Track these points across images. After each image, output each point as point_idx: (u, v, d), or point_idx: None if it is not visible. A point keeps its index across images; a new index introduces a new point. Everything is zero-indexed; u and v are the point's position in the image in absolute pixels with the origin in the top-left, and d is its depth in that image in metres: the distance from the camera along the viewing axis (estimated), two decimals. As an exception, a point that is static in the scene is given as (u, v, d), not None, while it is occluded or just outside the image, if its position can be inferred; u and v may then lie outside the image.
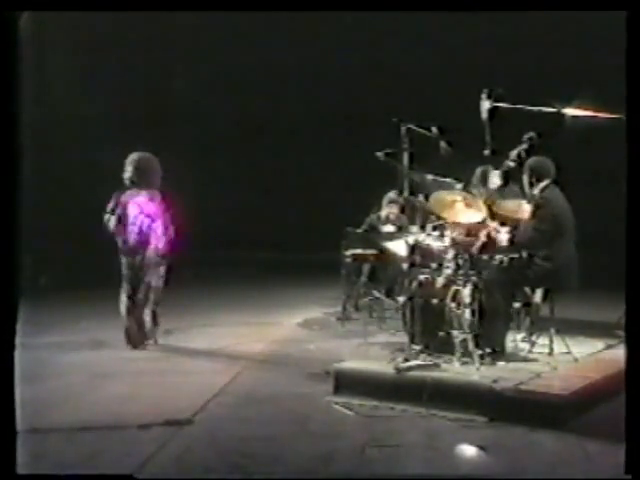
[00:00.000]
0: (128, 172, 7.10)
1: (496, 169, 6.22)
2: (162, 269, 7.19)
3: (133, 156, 7.17)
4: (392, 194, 8.51)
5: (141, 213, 7.13)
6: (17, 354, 3.40)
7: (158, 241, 7.16)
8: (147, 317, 7.16)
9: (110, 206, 7.10)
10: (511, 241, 5.82)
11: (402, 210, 8.37)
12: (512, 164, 5.92)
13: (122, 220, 7.06)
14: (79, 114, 12.82)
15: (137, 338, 7.09)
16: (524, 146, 5.87)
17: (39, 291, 9.78)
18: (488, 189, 6.40)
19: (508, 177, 6.20)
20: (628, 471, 3.46)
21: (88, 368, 6.42)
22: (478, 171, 6.80)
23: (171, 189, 7.34)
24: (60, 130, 12.68)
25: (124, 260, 7.08)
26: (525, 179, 6.01)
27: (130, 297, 7.06)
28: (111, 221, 7.06)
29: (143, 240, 7.10)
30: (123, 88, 13.24)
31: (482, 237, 5.96)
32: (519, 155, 5.88)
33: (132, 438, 4.57)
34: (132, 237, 7.08)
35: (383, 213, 8.66)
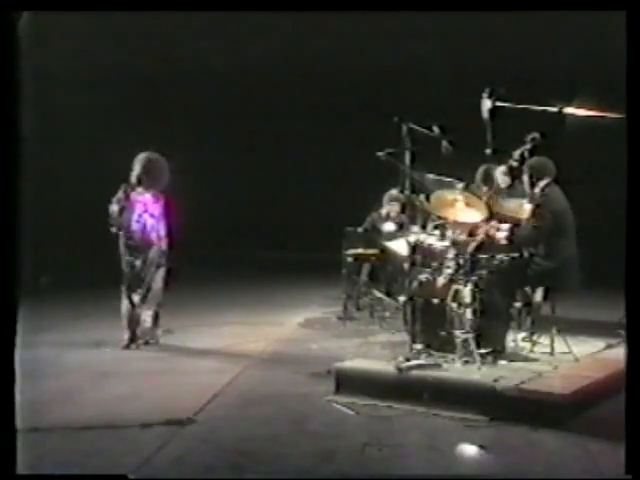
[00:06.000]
0: (136, 171, 7.09)
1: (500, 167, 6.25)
2: (163, 270, 7.20)
3: (142, 155, 7.15)
4: (393, 191, 8.51)
5: (145, 212, 7.14)
6: (17, 353, 3.39)
7: (161, 242, 7.18)
8: (148, 317, 7.16)
9: (117, 197, 7.04)
10: (510, 240, 5.82)
11: (403, 208, 8.37)
12: (515, 164, 5.92)
13: (124, 214, 7.04)
14: (79, 114, 12.81)
15: (132, 338, 7.09)
16: (527, 146, 5.86)
17: (39, 291, 9.77)
18: (495, 187, 6.42)
19: (514, 174, 6.22)
20: (628, 471, 3.46)
21: (88, 368, 6.42)
22: (481, 170, 6.81)
23: (171, 188, 7.34)
24: (61, 130, 12.67)
25: (126, 258, 7.06)
26: (526, 179, 6.01)
27: (129, 297, 7.06)
28: (114, 210, 7.00)
29: (145, 239, 7.10)
30: (124, 87, 13.23)
31: (481, 235, 5.96)
32: (522, 155, 5.88)
33: (132, 438, 4.57)
34: (136, 235, 7.08)
35: (384, 211, 8.67)
